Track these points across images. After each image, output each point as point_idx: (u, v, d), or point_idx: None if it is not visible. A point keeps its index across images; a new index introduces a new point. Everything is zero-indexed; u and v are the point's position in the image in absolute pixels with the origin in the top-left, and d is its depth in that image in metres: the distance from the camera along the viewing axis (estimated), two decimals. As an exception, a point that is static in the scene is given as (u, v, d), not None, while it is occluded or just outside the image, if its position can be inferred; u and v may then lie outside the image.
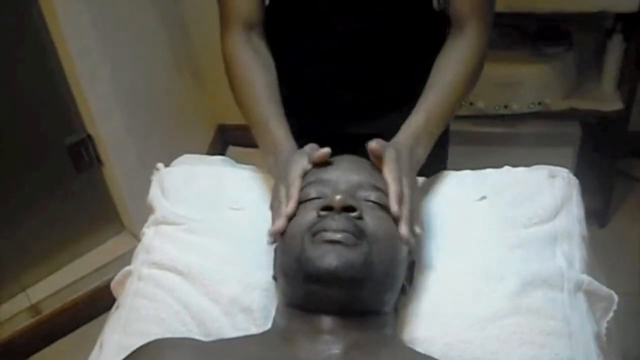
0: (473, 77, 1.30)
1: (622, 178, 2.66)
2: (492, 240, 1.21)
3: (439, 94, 1.24)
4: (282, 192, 1.10)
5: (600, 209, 2.54)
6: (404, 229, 1.03)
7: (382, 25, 1.37)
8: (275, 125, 1.24)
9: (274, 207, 1.11)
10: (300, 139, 1.25)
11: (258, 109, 1.28)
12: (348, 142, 1.55)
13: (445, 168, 1.48)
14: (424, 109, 1.22)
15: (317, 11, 1.38)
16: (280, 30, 1.44)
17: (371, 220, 1.05)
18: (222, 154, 3.02)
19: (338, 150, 1.34)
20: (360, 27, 1.37)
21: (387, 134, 1.22)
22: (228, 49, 1.35)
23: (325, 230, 1.01)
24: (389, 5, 1.34)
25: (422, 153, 1.19)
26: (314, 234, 1.02)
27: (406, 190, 1.07)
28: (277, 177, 1.16)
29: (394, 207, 1.04)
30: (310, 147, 1.17)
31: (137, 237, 1.36)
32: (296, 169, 1.11)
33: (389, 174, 1.07)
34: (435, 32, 1.45)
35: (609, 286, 1.22)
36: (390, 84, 1.50)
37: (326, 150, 1.13)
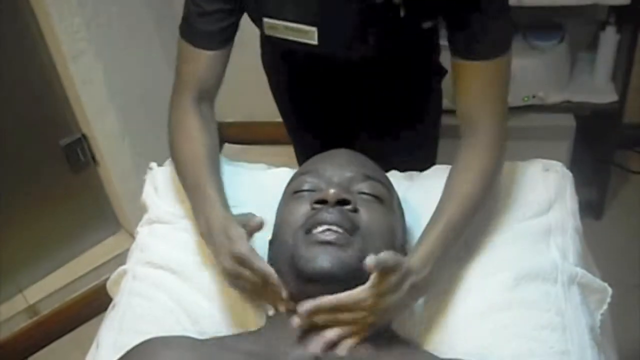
0: (490, 183, 1.20)
1: (617, 170, 2.66)
2: (486, 234, 1.22)
3: (456, 209, 1.14)
4: (247, 273, 1.04)
5: (595, 201, 2.54)
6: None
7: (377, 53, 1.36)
8: (209, 187, 1.18)
9: (242, 286, 1.08)
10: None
11: (195, 171, 1.22)
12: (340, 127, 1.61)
13: (435, 163, 1.48)
14: (444, 221, 1.12)
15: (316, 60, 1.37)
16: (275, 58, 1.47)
17: (365, 213, 1.06)
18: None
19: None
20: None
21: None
22: (175, 113, 1.31)
23: (319, 223, 1.02)
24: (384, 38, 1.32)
25: (429, 274, 1.07)
26: (308, 231, 1.02)
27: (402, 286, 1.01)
28: (212, 244, 1.11)
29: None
30: (244, 217, 1.12)
31: (133, 237, 1.36)
32: (243, 243, 1.05)
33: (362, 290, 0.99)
34: (426, 52, 1.50)
35: (605, 278, 1.22)
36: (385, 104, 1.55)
37: (259, 219, 1.08)
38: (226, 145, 3.09)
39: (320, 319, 0.99)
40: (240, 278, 1.05)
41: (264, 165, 1.43)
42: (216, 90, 1.34)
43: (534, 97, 2.28)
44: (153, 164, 1.42)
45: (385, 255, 0.96)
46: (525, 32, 2.31)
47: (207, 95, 1.32)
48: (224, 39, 1.29)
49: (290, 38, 1.25)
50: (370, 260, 0.94)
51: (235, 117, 2.98)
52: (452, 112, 1.62)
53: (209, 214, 1.13)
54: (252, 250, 1.04)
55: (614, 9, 2.20)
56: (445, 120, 1.67)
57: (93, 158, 2.34)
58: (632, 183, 2.70)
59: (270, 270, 1.02)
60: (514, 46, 2.31)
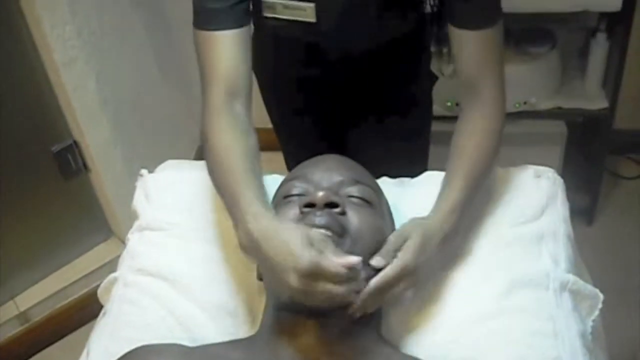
0: (497, 141, 1.26)
1: (609, 175, 2.68)
2: (478, 240, 1.22)
3: (470, 167, 1.19)
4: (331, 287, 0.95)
5: (587, 206, 2.55)
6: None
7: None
8: (247, 193, 1.07)
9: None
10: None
11: (229, 184, 1.11)
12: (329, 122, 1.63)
13: (426, 169, 1.49)
14: (462, 179, 1.17)
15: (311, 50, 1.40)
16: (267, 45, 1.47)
17: (354, 216, 1.06)
18: (210, 158, 3.01)
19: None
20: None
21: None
22: (205, 115, 1.23)
23: (308, 226, 1.02)
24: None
25: (456, 232, 1.14)
26: None
27: (389, 292, 1.02)
28: (261, 259, 1.01)
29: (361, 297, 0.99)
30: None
31: (125, 243, 1.35)
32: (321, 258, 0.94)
33: (390, 272, 1.01)
34: (417, 52, 1.52)
35: (597, 284, 1.23)
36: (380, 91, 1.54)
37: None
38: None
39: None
40: (317, 291, 0.95)
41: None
42: (248, 86, 1.26)
43: (525, 103, 2.29)
44: (144, 171, 1.42)
45: (387, 246, 1.04)
46: (517, 39, 2.32)
47: (237, 90, 1.23)
48: (238, 16, 1.24)
49: (289, 17, 1.27)
50: (376, 260, 1.02)
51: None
52: (442, 118, 1.63)
53: (249, 221, 1.01)
54: (321, 255, 0.94)
55: (604, 15, 2.21)
56: (436, 126, 1.67)
57: (84, 165, 2.34)
58: (623, 189, 2.71)
59: (354, 260, 0.95)
60: (506, 52, 2.33)
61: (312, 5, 1.26)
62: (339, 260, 0.93)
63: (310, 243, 0.94)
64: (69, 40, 2.09)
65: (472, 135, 1.23)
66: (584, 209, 2.54)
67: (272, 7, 1.27)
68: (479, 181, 1.19)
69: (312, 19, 1.28)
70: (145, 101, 2.54)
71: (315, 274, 0.92)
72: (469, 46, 1.25)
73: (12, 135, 2.13)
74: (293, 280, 0.93)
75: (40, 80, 2.14)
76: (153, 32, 2.54)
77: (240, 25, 1.24)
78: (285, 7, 1.26)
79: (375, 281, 1.00)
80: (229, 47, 1.23)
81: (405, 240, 1.04)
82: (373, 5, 1.30)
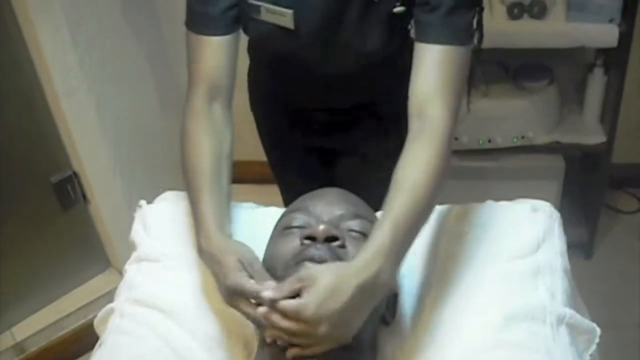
0: (439, 175, 1.15)
1: (607, 210, 2.68)
2: (475, 274, 1.22)
3: (405, 201, 1.09)
4: (252, 308, 1.02)
5: (585, 241, 2.55)
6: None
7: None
8: (205, 205, 1.17)
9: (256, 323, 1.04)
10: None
11: (195, 185, 1.21)
12: (321, 157, 1.61)
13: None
14: (391, 215, 1.07)
15: (297, 65, 1.42)
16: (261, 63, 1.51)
17: (354, 250, 1.06)
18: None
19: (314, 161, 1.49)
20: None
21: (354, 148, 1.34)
22: (185, 116, 1.31)
23: (308, 259, 1.02)
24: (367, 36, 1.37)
25: (387, 277, 1.02)
26: (297, 264, 1.02)
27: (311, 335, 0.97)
28: (208, 266, 1.12)
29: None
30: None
31: (122, 275, 1.35)
32: (244, 280, 1.02)
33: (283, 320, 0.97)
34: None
35: (595, 318, 1.22)
36: (362, 104, 1.56)
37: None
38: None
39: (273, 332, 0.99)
40: (238, 307, 1.05)
41: (253, 204, 1.44)
42: (229, 87, 1.33)
43: (523, 137, 2.31)
44: (142, 202, 1.42)
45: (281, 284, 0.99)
46: (515, 74, 2.35)
47: (219, 93, 1.31)
48: (227, 23, 1.31)
49: (270, 20, 1.30)
50: (266, 293, 0.97)
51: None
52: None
53: (202, 236, 1.14)
54: (244, 278, 1.02)
55: (601, 51, 2.24)
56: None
57: (83, 195, 2.34)
58: (621, 223, 2.71)
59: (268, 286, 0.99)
60: (504, 87, 2.37)
61: (290, 12, 1.28)
62: (256, 287, 1.00)
63: (241, 268, 1.04)
64: (70, 70, 2.10)
65: (413, 166, 1.14)
66: (583, 243, 2.54)
67: (257, 10, 1.30)
68: (414, 218, 1.09)
69: (291, 26, 1.30)
70: (145, 132, 2.55)
71: (238, 293, 1.03)
72: (426, 63, 1.20)
73: (11, 165, 2.14)
74: (224, 296, 1.07)
75: (41, 110, 2.15)
76: (154, 64, 2.56)
77: (228, 32, 1.32)
78: (268, 10, 1.30)
79: (264, 308, 0.97)
80: (215, 51, 1.31)
81: (313, 282, 0.96)
82: (351, 14, 1.30)
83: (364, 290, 0.98)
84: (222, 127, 1.30)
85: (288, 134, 1.66)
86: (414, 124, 1.20)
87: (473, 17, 1.25)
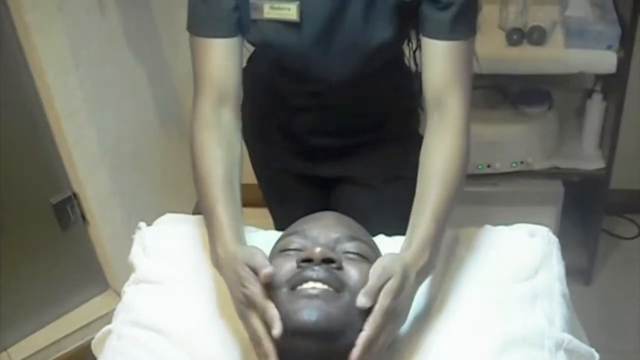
0: (466, 159, 1.26)
1: (606, 236, 2.68)
2: (472, 298, 1.21)
3: (440, 191, 1.19)
4: (258, 325, 1.02)
5: (585, 266, 2.55)
6: None
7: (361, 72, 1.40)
8: (221, 214, 1.18)
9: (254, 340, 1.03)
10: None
11: (208, 193, 1.22)
12: (317, 183, 1.62)
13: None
14: (431, 211, 1.16)
15: (300, 71, 1.39)
16: (263, 70, 1.49)
17: (351, 271, 1.06)
18: (209, 212, 3.02)
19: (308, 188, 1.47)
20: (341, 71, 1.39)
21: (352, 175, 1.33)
22: (194, 123, 1.31)
23: (305, 280, 1.02)
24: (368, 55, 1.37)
25: (435, 261, 1.15)
26: (293, 287, 1.02)
27: (381, 338, 1.02)
28: (223, 275, 1.13)
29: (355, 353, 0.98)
30: (257, 259, 1.08)
31: (121, 296, 1.35)
32: (258, 291, 1.03)
33: (373, 319, 1.00)
34: (407, 83, 1.52)
35: (594, 344, 1.22)
36: (362, 129, 1.55)
37: (269, 272, 1.03)
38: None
39: None
40: (247, 321, 1.05)
41: (252, 227, 1.44)
42: (236, 90, 1.33)
43: (522, 163, 2.31)
44: (142, 224, 1.42)
45: (370, 284, 1.01)
46: (514, 100, 2.36)
47: (227, 97, 1.31)
48: (230, 24, 1.31)
49: (273, 17, 1.29)
50: (360, 300, 0.99)
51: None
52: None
53: (219, 245, 1.15)
54: (263, 295, 1.02)
55: (600, 77, 2.26)
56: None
57: (83, 217, 2.35)
58: (620, 249, 2.71)
59: (277, 325, 0.99)
60: (503, 113, 2.38)
61: (296, 3, 1.28)
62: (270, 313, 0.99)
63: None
64: (72, 91, 2.12)
65: (440, 153, 1.24)
66: (582, 268, 2.54)
67: (259, 8, 1.29)
68: (449, 206, 1.19)
69: (296, 18, 1.29)
70: (146, 154, 2.56)
71: (252, 305, 1.03)
72: (439, 57, 1.27)
73: (11, 185, 2.14)
74: (237, 307, 1.07)
75: (42, 130, 2.16)
76: (155, 85, 2.57)
77: (232, 35, 1.32)
78: (272, 7, 1.29)
79: (366, 334, 0.99)
80: (220, 54, 1.31)
81: (388, 279, 1.02)
82: (358, 3, 1.30)
83: (419, 278, 1.10)
84: (232, 134, 1.31)
85: (281, 162, 1.66)
86: (433, 115, 1.28)
87: (477, 11, 1.32)
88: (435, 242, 1.14)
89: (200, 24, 1.33)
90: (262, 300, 1.01)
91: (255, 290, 1.02)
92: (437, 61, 1.28)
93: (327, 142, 1.57)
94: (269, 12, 1.29)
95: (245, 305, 1.04)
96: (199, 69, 1.32)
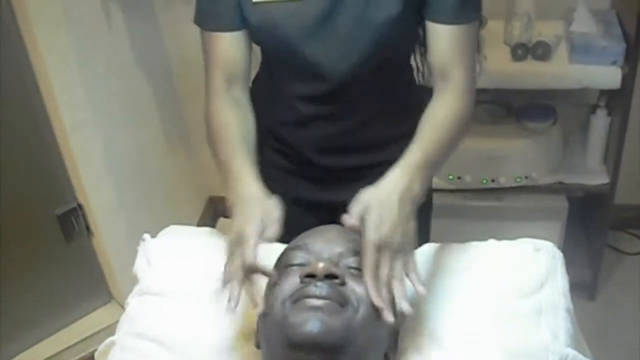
0: (462, 122, 1.33)
1: (610, 251, 2.68)
2: (477, 313, 1.21)
3: (433, 135, 1.27)
4: (237, 261, 1.09)
5: (588, 281, 2.54)
6: (386, 315, 1.03)
7: (369, 82, 1.39)
8: (240, 162, 1.25)
9: (228, 273, 1.10)
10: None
11: (225, 151, 1.30)
12: (321, 209, 1.59)
13: (428, 238, 1.49)
14: (420, 147, 1.23)
15: (307, 62, 1.36)
16: (269, 72, 1.48)
17: (355, 286, 1.06)
18: (213, 225, 3.02)
19: (310, 215, 1.42)
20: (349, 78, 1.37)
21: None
22: (207, 97, 1.39)
23: (307, 296, 1.02)
24: (374, 59, 1.35)
25: (418, 189, 1.18)
26: (296, 301, 1.02)
27: (384, 260, 1.07)
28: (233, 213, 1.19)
29: (371, 292, 1.04)
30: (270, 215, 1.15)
31: (124, 308, 1.35)
32: (252, 230, 1.11)
33: (365, 256, 1.07)
34: (416, 101, 1.48)
35: (597, 359, 1.22)
36: (370, 148, 1.53)
37: (274, 232, 1.12)
38: (221, 219, 3.10)
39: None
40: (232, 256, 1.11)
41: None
42: (246, 75, 1.40)
43: (526, 178, 2.31)
44: (146, 236, 1.43)
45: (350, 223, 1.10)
46: (518, 114, 2.36)
47: (236, 79, 1.39)
48: (236, 18, 1.34)
49: None
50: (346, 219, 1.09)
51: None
52: (444, 191, 1.64)
53: (240, 183, 1.21)
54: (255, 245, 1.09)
55: (604, 92, 2.26)
56: (438, 199, 1.68)
57: (87, 228, 2.35)
58: (624, 264, 2.71)
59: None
60: (508, 127, 2.38)
61: None
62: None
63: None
64: (78, 104, 2.13)
65: (439, 108, 1.32)
66: (586, 284, 2.54)
67: None
68: (440, 147, 1.25)
69: None
70: (150, 167, 2.57)
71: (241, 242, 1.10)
72: (445, 40, 1.32)
73: (17, 196, 2.15)
74: (229, 244, 1.14)
75: (48, 142, 2.17)
76: (160, 99, 2.59)
77: (239, 27, 1.36)
78: None
79: (365, 270, 1.06)
80: (226, 45, 1.37)
81: (364, 218, 1.09)
82: None
83: (403, 200, 1.13)
84: (243, 105, 1.39)
85: (282, 185, 1.62)
86: (438, 84, 1.35)
87: None
88: (417, 168, 1.18)
89: (205, 18, 1.38)
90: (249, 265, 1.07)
91: (247, 256, 1.07)
92: (441, 44, 1.33)
93: (333, 161, 1.54)
94: None
95: (234, 245, 1.12)
96: (208, 56, 1.39)
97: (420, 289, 1.07)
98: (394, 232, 1.08)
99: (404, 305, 1.04)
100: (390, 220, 1.09)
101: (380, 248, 1.06)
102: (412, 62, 1.53)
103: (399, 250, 1.08)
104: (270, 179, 1.30)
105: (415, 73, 1.53)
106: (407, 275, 1.08)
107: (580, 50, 2.13)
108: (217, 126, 1.35)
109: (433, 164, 1.24)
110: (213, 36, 1.37)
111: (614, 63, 2.10)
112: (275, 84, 1.47)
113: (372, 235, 1.07)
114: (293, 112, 1.46)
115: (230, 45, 1.37)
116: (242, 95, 1.40)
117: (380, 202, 1.10)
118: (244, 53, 1.38)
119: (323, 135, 1.48)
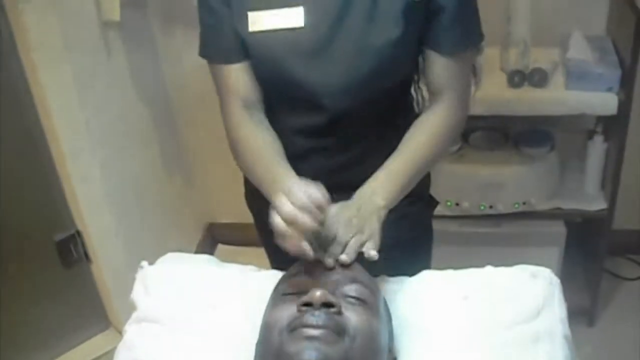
0: (442, 139, 1.38)
1: (609, 277, 2.67)
2: (474, 340, 1.21)
3: (404, 158, 1.34)
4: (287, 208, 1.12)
5: (587, 307, 2.53)
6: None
7: (367, 110, 1.39)
8: (280, 172, 1.29)
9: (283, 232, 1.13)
10: None
11: (264, 164, 1.33)
12: None
13: (429, 266, 1.49)
14: (403, 149, 1.34)
15: (306, 92, 1.35)
16: (268, 105, 1.46)
17: (351, 316, 1.06)
18: (212, 252, 3.02)
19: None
20: (348, 107, 1.36)
21: None
22: (231, 121, 1.40)
23: (304, 326, 1.02)
24: (373, 89, 1.35)
25: (380, 200, 1.27)
26: (293, 330, 1.02)
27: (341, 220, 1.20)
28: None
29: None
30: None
31: (122, 335, 1.35)
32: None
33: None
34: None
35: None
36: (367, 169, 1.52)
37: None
38: (220, 246, 3.10)
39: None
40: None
41: (255, 267, 1.44)
42: (261, 99, 1.41)
43: (524, 203, 2.32)
44: (144, 263, 1.43)
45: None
46: (516, 140, 2.37)
47: (255, 105, 1.40)
48: (236, 51, 1.36)
49: (276, 27, 1.29)
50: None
51: (229, 218, 3.00)
52: (441, 217, 1.64)
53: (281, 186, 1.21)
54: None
55: (601, 118, 2.27)
56: (436, 225, 1.67)
57: (86, 255, 2.35)
58: (623, 290, 2.70)
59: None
60: (505, 154, 2.39)
61: (300, 8, 1.28)
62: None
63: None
64: (77, 130, 2.13)
65: (428, 116, 1.39)
66: (585, 309, 2.53)
67: (258, 20, 1.30)
68: (410, 173, 1.34)
69: (301, 24, 1.28)
70: (149, 194, 2.57)
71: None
72: (442, 67, 1.36)
73: (15, 223, 2.15)
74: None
75: (47, 168, 2.17)
76: (159, 126, 2.60)
77: (241, 60, 1.37)
78: (273, 15, 1.29)
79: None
80: (235, 75, 1.38)
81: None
82: (362, 10, 1.29)
83: (363, 208, 1.24)
84: (270, 128, 1.39)
85: None
86: (431, 100, 1.40)
87: (475, 20, 1.36)
88: (381, 184, 1.29)
89: (210, 52, 1.39)
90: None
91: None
92: (438, 70, 1.36)
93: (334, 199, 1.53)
94: (270, 22, 1.30)
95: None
96: (221, 86, 1.41)
97: (373, 253, 1.18)
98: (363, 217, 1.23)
99: (371, 252, 1.17)
100: (346, 215, 1.22)
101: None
102: (412, 93, 1.52)
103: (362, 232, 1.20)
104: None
105: (414, 103, 1.53)
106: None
107: (576, 76, 2.14)
108: (251, 150, 1.36)
109: (400, 186, 1.32)
110: (221, 68, 1.38)
111: (610, 89, 2.11)
112: (273, 117, 1.44)
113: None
114: (292, 145, 1.43)
115: (241, 75, 1.38)
116: (264, 119, 1.41)
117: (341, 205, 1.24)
118: (254, 78, 1.39)
119: (322, 170, 1.40)
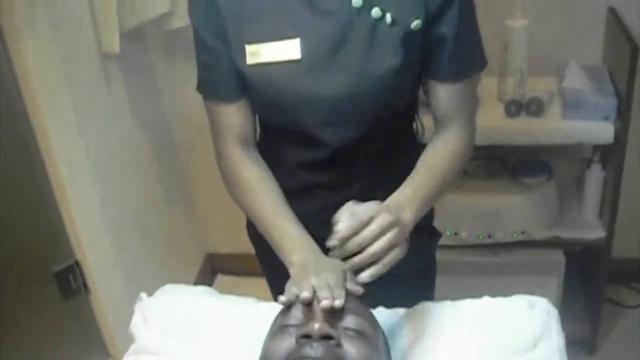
0: (459, 156, 1.38)
1: (609, 305, 2.67)
2: (472, 371, 1.21)
3: (424, 175, 1.33)
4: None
5: (588, 336, 2.53)
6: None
7: (367, 139, 1.37)
8: (286, 224, 1.32)
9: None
10: None
11: (266, 216, 1.35)
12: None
13: (432, 298, 1.48)
14: (410, 187, 1.30)
15: (306, 124, 1.35)
16: (269, 141, 1.47)
17: (350, 349, 1.06)
18: (211, 283, 3.02)
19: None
20: (349, 137, 1.35)
21: None
22: (225, 163, 1.41)
23: (302, 357, 1.02)
24: (374, 120, 1.35)
25: (408, 215, 1.25)
26: None
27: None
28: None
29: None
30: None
31: (121, 366, 1.35)
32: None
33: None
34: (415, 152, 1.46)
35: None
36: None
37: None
38: (219, 276, 3.10)
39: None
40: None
41: (254, 299, 1.44)
42: (254, 135, 1.45)
43: (522, 233, 2.32)
44: (143, 294, 1.43)
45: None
46: (514, 170, 2.38)
47: (249, 141, 1.43)
48: (234, 88, 1.37)
49: (274, 59, 1.29)
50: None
51: (229, 249, 3.00)
52: (440, 247, 1.65)
53: (290, 248, 1.27)
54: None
55: (598, 147, 2.28)
56: (441, 256, 1.67)
57: (85, 285, 2.34)
58: (624, 318, 2.70)
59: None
60: (503, 183, 2.40)
61: (296, 39, 1.27)
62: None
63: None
64: (77, 159, 2.14)
65: (434, 154, 1.38)
66: (585, 338, 2.52)
67: (256, 53, 1.29)
68: (431, 192, 1.32)
69: (297, 56, 1.27)
70: (148, 224, 2.57)
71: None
72: (445, 97, 1.37)
73: (13, 253, 2.14)
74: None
75: (45, 198, 2.17)
76: (159, 156, 2.61)
77: (238, 98, 1.38)
78: (270, 49, 1.29)
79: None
80: (233, 113, 1.39)
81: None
82: (359, 41, 1.28)
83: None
84: (265, 165, 1.43)
85: None
86: (437, 128, 1.41)
87: (477, 48, 1.37)
88: (408, 202, 1.26)
89: (206, 88, 1.40)
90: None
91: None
92: (442, 100, 1.37)
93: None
94: (268, 55, 1.29)
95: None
96: (215, 123, 1.42)
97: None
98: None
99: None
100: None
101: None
102: (415, 127, 1.53)
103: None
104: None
105: (417, 134, 1.54)
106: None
107: (572, 106, 2.15)
108: (251, 189, 1.38)
109: (422, 204, 1.29)
110: (218, 105, 1.39)
111: (606, 118, 2.13)
112: (274, 153, 1.45)
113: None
114: (294, 181, 1.44)
115: (236, 113, 1.39)
116: (259, 157, 1.43)
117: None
118: (250, 116, 1.41)
119: (328, 205, 1.33)
